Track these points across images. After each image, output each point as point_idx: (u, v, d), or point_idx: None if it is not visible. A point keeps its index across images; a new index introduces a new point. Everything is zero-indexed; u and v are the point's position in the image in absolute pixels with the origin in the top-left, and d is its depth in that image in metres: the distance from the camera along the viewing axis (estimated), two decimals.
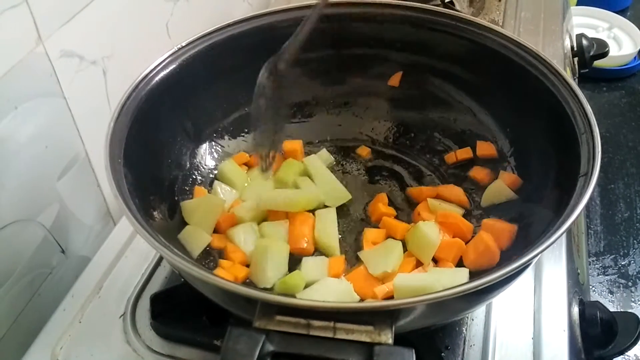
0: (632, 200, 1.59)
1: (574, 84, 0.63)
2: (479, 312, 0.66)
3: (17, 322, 0.71)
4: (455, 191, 0.75)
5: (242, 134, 0.82)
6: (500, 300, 0.67)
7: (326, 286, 0.63)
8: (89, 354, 0.65)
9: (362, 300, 0.63)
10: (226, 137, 0.81)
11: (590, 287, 1.35)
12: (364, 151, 0.84)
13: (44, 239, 0.74)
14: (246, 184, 0.78)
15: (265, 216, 0.74)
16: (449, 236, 0.69)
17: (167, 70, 0.69)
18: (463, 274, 0.63)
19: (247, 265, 0.69)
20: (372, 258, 0.67)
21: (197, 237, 0.70)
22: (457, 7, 1.06)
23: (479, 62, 0.74)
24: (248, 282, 0.67)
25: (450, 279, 0.61)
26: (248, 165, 0.81)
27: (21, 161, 0.69)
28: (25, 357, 0.65)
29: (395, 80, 0.84)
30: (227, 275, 0.66)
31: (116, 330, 0.67)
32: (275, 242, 0.69)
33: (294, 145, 0.81)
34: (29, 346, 0.66)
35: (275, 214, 0.74)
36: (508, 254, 0.66)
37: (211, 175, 0.79)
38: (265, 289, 0.65)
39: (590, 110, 0.60)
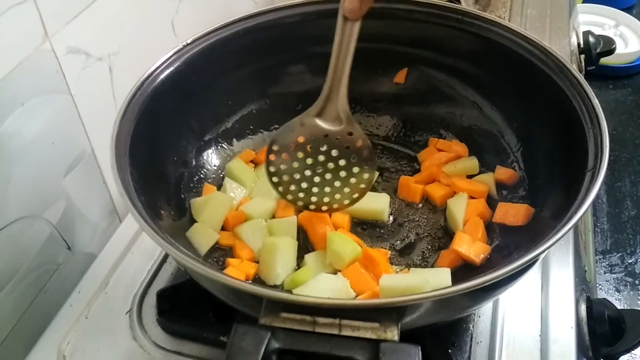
0: (639, 198, 1.58)
1: (581, 78, 0.62)
2: (486, 309, 0.66)
3: (24, 318, 0.72)
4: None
5: (248, 132, 0.83)
6: (507, 297, 0.67)
7: (323, 282, 0.63)
8: (95, 349, 0.65)
9: (357, 296, 0.63)
10: (232, 135, 0.81)
11: (597, 285, 1.34)
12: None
13: (50, 235, 0.74)
14: (253, 183, 0.78)
15: (273, 213, 0.74)
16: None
17: (173, 67, 0.69)
18: (445, 273, 0.63)
19: (256, 262, 0.69)
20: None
21: (204, 235, 0.70)
22: (463, 4, 1.05)
23: (485, 56, 0.74)
24: (257, 279, 0.67)
25: (435, 279, 0.62)
26: (254, 163, 0.81)
27: (28, 157, 0.69)
28: (32, 353, 0.65)
29: (400, 77, 0.83)
30: (237, 272, 0.66)
31: (122, 326, 0.67)
32: (283, 239, 0.69)
33: None
34: (36, 342, 0.66)
35: (283, 210, 0.74)
36: (516, 251, 0.66)
37: (219, 173, 0.79)
38: (274, 286, 0.65)
39: (598, 103, 0.59)
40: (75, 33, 0.72)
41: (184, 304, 0.66)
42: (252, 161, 0.81)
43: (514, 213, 0.69)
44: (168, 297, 0.67)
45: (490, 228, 0.71)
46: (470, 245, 0.67)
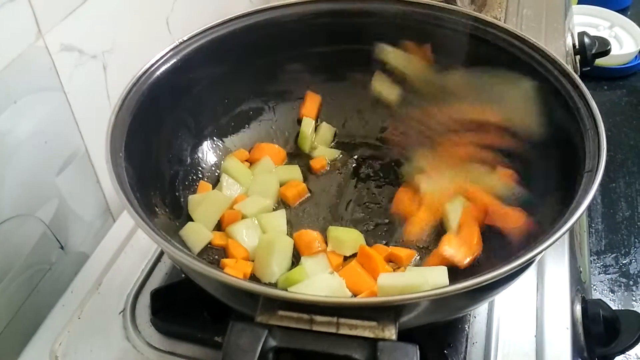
0: (634, 199, 1.59)
1: (578, 80, 0.62)
2: (482, 309, 0.66)
3: (16, 318, 0.71)
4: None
5: (244, 130, 0.82)
6: (502, 298, 0.67)
7: (319, 281, 0.63)
8: (88, 350, 0.64)
9: (354, 296, 0.63)
10: (228, 133, 0.81)
11: (592, 286, 1.35)
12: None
13: (43, 234, 0.73)
14: (250, 181, 0.77)
15: (269, 211, 0.74)
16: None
17: (168, 65, 0.69)
18: (442, 271, 0.63)
19: (251, 261, 0.68)
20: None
21: (198, 234, 0.69)
22: (459, 4, 1.05)
23: (481, 57, 0.74)
24: (252, 277, 0.67)
25: (434, 277, 0.61)
26: (249, 162, 0.81)
27: (20, 156, 0.68)
28: (24, 353, 0.65)
29: None
30: (235, 272, 0.65)
31: (116, 326, 0.66)
32: (279, 237, 0.69)
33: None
34: (28, 342, 0.66)
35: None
36: (512, 252, 0.65)
37: (214, 172, 0.78)
38: (269, 284, 0.65)
39: (595, 105, 0.59)
40: (69, 30, 0.72)
41: (178, 304, 0.65)
42: (246, 160, 0.80)
43: (506, 216, 0.69)
44: (162, 297, 0.66)
45: (485, 230, 0.70)
46: (457, 248, 0.67)
